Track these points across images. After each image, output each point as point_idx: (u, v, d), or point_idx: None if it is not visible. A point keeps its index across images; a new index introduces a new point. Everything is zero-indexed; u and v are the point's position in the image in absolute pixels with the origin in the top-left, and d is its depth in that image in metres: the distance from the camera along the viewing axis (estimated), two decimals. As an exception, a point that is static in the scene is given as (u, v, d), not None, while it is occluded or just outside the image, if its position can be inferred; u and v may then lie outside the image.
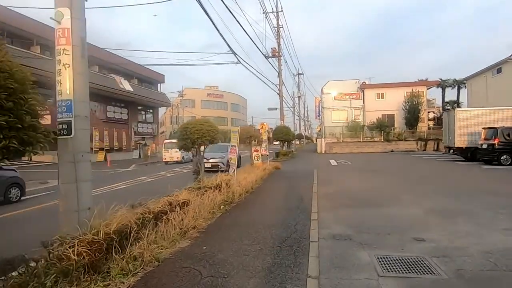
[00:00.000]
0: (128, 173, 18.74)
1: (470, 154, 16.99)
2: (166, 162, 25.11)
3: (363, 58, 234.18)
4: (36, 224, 6.58)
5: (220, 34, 14.24)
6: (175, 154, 25.87)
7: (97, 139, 27.04)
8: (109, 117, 33.05)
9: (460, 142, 16.95)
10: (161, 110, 74.16)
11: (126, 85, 33.29)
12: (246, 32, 18.53)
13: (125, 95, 33.36)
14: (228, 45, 14.71)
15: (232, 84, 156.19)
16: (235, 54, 15.89)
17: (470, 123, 16.77)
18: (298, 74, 51.46)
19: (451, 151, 18.21)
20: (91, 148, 27.42)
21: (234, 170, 9.28)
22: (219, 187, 7.67)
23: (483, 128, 15.72)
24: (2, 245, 4.72)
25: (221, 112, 79.94)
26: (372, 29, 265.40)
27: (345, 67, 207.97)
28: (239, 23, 15.40)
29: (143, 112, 40.88)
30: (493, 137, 14.77)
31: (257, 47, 23.96)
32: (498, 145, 14.53)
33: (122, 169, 21.15)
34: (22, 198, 9.61)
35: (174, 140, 30.01)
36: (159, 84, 43.02)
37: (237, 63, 16.15)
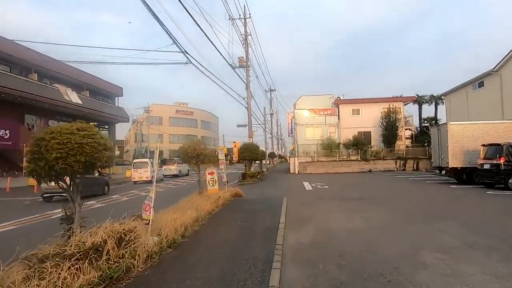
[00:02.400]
0: (57, 201, 14.61)
1: (466, 175, 14.43)
2: (135, 182, 23.63)
3: (336, 77, 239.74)
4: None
5: (166, 29, 11.05)
6: (144, 173, 24.38)
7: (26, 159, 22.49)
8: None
9: (455, 162, 14.38)
10: (125, 127, 69.45)
11: (73, 97, 29.11)
12: (209, 39, 15.48)
13: (73, 109, 29.14)
14: (175, 41, 11.55)
15: (204, 102, 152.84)
16: (184, 52, 12.70)
17: (466, 139, 14.29)
18: (270, 90, 48.99)
19: (443, 172, 15.62)
20: (18, 171, 22.89)
21: (150, 210, 5.80)
22: (98, 252, 4.15)
23: (483, 145, 13.21)
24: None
25: (190, 129, 76.07)
26: (342, 50, 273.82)
27: (317, 86, 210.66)
28: (201, 29, 12.36)
29: (98, 129, 36.43)
30: (498, 155, 12.21)
31: (222, 56, 20.99)
32: (504, 165, 11.95)
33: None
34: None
35: (145, 160, 26.57)
36: (116, 98, 38.93)
37: (187, 63, 12.92)
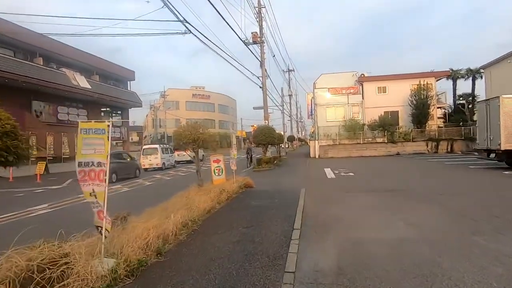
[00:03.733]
0: (48, 193, 13.42)
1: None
2: (146, 169, 22.67)
3: (358, 57, 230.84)
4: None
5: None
6: (154, 161, 23.40)
7: (34, 147, 21.61)
8: (62, 120, 27.71)
9: (509, 143, 11.93)
10: (143, 113, 68.90)
11: (81, 82, 27.95)
12: (218, 13, 13.47)
13: (83, 94, 28.10)
14: (171, 9, 9.69)
15: (222, 86, 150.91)
16: (184, 21, 10.80)
17: (524, 116, 11.77)
18: (289, 70, 46.65)
19: (492, 155, 13.20)
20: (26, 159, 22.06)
21: (104, 218, 4.13)
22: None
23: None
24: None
25: (208, 114, 74.86)
26: (364, 29, 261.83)
27: (338, 68, 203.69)
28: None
29: (109, 114, 35.57)
30: None
31: (234, 31, 18.97)
32: None
33: (54, 186, 15.90)
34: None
35: (154, 146, 25.34)
36: (128, 82, 37.71)
37: (185, 33, 11.01)
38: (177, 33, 10.97)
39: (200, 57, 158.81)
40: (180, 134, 8.22)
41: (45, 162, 22.04)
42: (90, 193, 4.11)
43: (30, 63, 23.98)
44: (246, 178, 11.40)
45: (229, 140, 71.17)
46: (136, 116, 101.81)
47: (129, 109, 38.01)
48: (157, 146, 24.09)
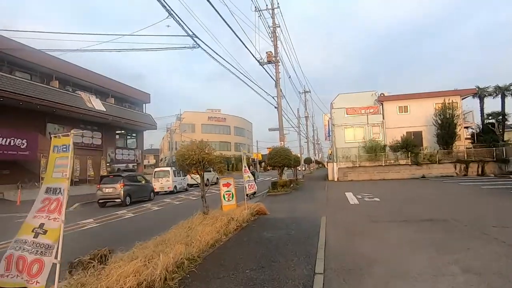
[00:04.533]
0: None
1: None
2: (157, 193, 21.59)
3: (376, 78, 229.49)
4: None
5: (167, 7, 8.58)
6: (166, 184, 22.66)
7: (44, 169, 21.22)
8: (76, 142, 27.32)
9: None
10: (159, 135, 69.14)
11: (96, 104, 27.93)
12: (234, 33, 12.98)
13: (98, 116, 27.98)
14: (171, 13, 9.06)
15: (238, 110, 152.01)
16: (193, 36, 10.14)
17: None
18: (305, 92, 46.03)
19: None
20: (35, 181, 21.66)
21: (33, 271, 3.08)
22: None
23: None
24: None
25: (223, 136, 74.62)
26: (381, 49, 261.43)
27: (358, 87, 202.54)
28: (224, 21, 9.85)
29: (124, 137, 35.42)
30: None
31: (249, 50, 18.44)
32: None
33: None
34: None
35: (166, 168, 24.62)
36: (144, 105, 37.75)
37: (193, 47, 10.31)
38: (184, 47, 10.30)
39: (217, 81, 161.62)
40: (182, 155, 7.27)
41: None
42: (34, 229, 3.07)
43: (46, 86, 24.09)
44: (259, 204, 10.24)
45: (246, 163, 70.91)
46: (154, 139, 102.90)
47: (144, 132, 37.83)
48: (169, 168, 23.31)
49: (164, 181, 22.44)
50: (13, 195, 19.49)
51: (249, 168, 14.20)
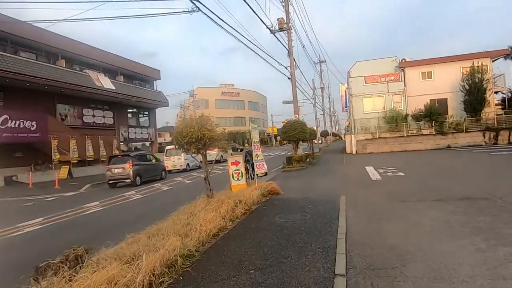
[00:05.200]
0: (58, 202, 12.27)
1: None
2: (170, 171, 21.40)
3: (396, 46, 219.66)
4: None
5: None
6: (178, 162, 22.23)
7: (56, 150, 21.02)
8: (87, 123, 27.21)
9: None
10: (175, 113, 68.78)
11: (105, 83, 27.29)
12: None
13: (108, 95, 27.41)
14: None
15: (252, 83, 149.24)
16: (192, -2, 9.01)
17: None
18: (320, 61, 43.92)
19: None
20: (49, 163, 21.57)
21: None
22: None
23: None
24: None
25: (238, 111, 73.65)
26: (404, 12, 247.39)
27: (377, 55, 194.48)
28: None
29: (136, 115, 35.01)
30: None
31: (258, 16, 17.01)
32: None
33: (69, 193, 14.90)
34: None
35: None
36: (154, 82, 36.96)
37: (192, 11, 9.18)
38: (183, 11, 9.18)
39: (231, 55, 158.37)
40: (180, 132, 6.39)
41: (68, 167, 21.43)
42: None
43: (53, 65, 23.51)
44: (271, 183, 9.41)
45: (260, 137, 69.14)
46: (170, 117, 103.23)
47: (157, 109, 37.25)
48: (180, 146, 22.72)
49: (176, 159, 21.93)
50: (26, 177, 19.45)
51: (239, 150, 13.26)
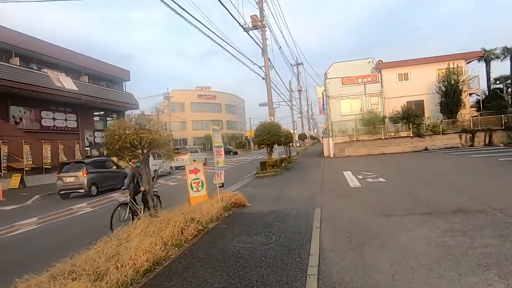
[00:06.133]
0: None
1: None
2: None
3: (374, 47, 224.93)
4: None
5: None
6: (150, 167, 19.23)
7: (5, 157, 18.90)
8: (46, 126, 24.97)
9: None
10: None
11: (66, 83, 25.18)
12: None
13: (69, 97, 25.25)
14: None
15: (230, 86, 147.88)
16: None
17: None
18: (297, 64, 43.28)
19: None
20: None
21: None
22: None
23: None
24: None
25: (214, 115, 71.93)
26: (380, 17, 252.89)
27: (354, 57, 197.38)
28: None
29: (103, 118, 32.88)
30: None
31: (228, 10, 15.82)
32: None
33: (12, 206, 13.01)
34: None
35: None
36: (124, 83, 34.99)
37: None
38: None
39: (209, 58, 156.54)
40: (111, 135, 5.02)
41: (20, 175, 19.33)
42: None
43: (5, 63, 21.31)
44: (236, 194, 8.12)
45: (238, 141, 68.00)
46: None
47: (126, 112, 35.20)
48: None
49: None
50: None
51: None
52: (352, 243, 4.57)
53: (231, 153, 49.15)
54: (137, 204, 6.99)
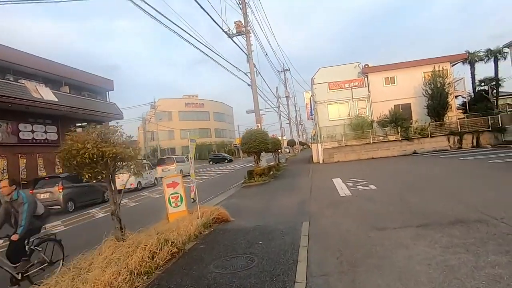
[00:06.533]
0: None
1: None
2: (119, 191, 17.41)
3: (361, 53, 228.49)
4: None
5: None
6: (128, 179, 18.42)
7: (-23, 173, 17.89)
8: (25, 139, 23.90)
9: None
10: (134, 125, 65.30)
11: (45, 94, 24.26)
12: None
13: (49, 108, 24.34)
14: None
15: (220, 96, 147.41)
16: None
17: None
18: (284, 70, 43.08)
19: None
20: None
21: None
22: None
23: None
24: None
25: (203, 123, 71.27)
26: (366, 24, 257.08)
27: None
28: None
29: (86, 130, 31.80)
30: None
31: (211, 17, 15.37)
32: None
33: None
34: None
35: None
36: (107, 93, 34.09)
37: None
38: None
39: (197, 67, 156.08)
40: (68, 150, 4.41)
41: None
42: None
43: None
44: (218, 208, 7.53)
45: (227, 148, 67.06)
46: (129, 130, 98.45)
47: (110, 122, 34.24)
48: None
49: (125, 176, 19.24)
50: None
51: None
52: (343, 265, 4.04)
53: (226, 161, 48.37)
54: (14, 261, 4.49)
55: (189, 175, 7.61)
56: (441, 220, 5.49)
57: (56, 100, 24.97)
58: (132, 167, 5.09)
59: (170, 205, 7.35)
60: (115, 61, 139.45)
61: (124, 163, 4.86)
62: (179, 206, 7.34)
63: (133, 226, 6.05)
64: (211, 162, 49.52)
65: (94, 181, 4.86)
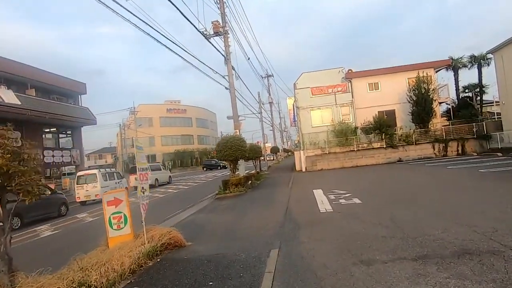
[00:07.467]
0: None
1: None
2: (83, 202, 17.77)
3: (344, 61, 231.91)
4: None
5: None
6: (93, 191, 17.94)
7: None
8: (-18, 146, 21.80)
9: None
10: (113, 131, 62.79)
11: (6, 97, 22.38)
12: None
13: (10, 112, 22.40)
14: None
15: (205, 102, 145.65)
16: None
17: None
18: (267, 76, 42.14)
19: None
20: None
21: None
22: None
23: None
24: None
25: (185, 129, 69.49)
26: (349, 32, 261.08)
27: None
28: None
29: (55, 135, 29.87)
30: None
31: (185, 16, 14.12)
32: None
33: None
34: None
35: (92, 171, 19.33)
36: (79, 96, 32.18)
37: None
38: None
39: (180, 73, 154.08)
40: None
41: None
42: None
43: None
44: (171, 231, 6.17)
45: (210, 156, 65.18)
46: (110, 136, 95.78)
47: (82, 128, 32.28)
48: (95, 171, 18.64)
49: (90, 187, 17.76)
50: None
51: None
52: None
53: (219, 167, 46.60)
54: None
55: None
56: (443, 249, 4.33)
57: (19, 103, 23.09)
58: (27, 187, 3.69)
59: (111, 227, 5.96)
60: (94, 67, 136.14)
61: (15, 182, 3.48)
62: (122, 228, 5.96)
63: (70, 252, 4.74)
64: (204, 169, 48.28)
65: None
